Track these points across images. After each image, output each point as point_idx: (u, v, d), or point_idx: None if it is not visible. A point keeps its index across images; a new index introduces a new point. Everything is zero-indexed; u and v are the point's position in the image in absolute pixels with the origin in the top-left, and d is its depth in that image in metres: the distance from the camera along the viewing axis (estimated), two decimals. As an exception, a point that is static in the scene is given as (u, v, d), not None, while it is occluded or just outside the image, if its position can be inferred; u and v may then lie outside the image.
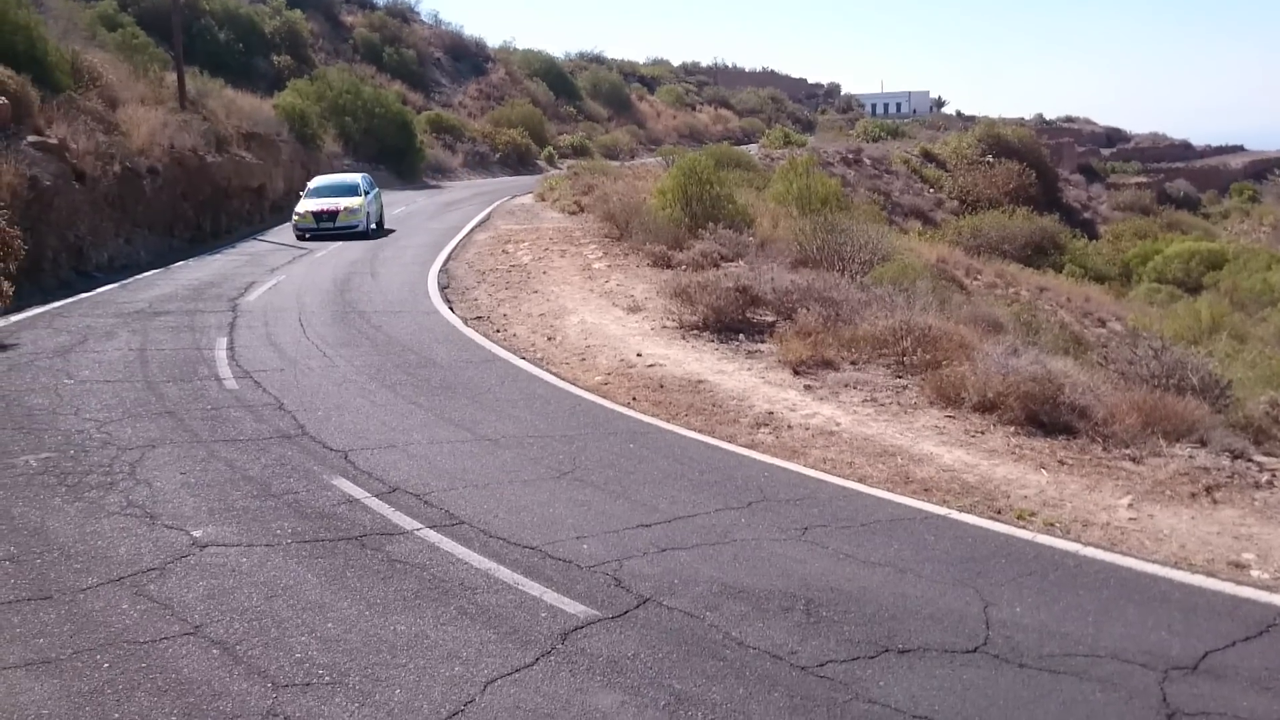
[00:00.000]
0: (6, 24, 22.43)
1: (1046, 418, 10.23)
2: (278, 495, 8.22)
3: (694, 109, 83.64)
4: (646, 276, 18.95)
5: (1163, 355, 11.69)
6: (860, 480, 8.86)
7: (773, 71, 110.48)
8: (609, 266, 20.37)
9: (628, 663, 5.58)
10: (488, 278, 20.16)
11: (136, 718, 5.02)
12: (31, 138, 19.91)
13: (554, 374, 12.86)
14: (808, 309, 14.16)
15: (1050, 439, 9.92)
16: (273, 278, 20.22)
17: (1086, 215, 53.03)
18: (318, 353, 13.61)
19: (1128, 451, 9.49)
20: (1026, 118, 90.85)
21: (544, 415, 10.88)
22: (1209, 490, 8.53)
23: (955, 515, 7.95)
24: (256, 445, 9.56)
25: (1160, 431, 9.76)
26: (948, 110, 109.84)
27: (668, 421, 10.75)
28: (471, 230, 27.17)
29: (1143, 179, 68.08)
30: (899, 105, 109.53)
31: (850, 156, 48.80)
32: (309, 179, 30.60)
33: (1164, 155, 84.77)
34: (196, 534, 7.37)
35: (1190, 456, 9.28)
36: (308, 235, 26.62)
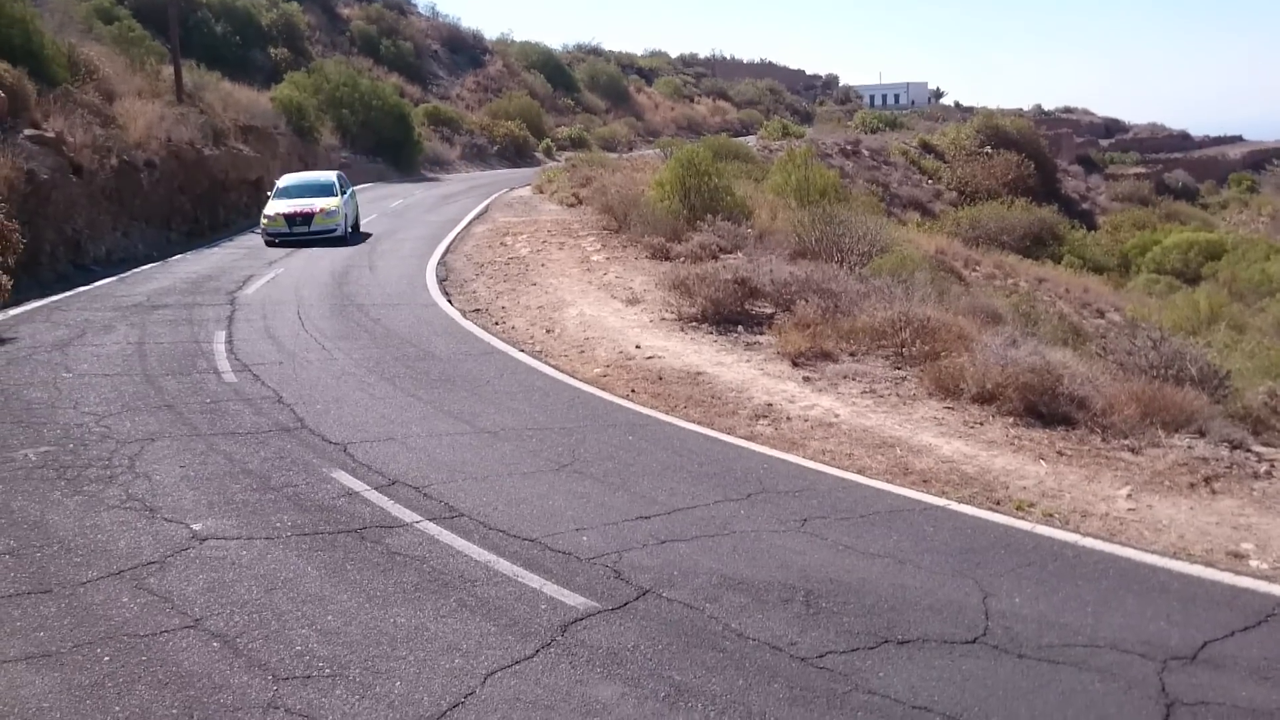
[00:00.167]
0: (2, 17, 22.38)
1: (1045, 409, 10.24)
2: (277, 488, 8.22)
3: (692, 101, 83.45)
4: (645, 268, 18.95)
5: (1161, 346, 11.69)
6: (859, 471, 8.87)
7: (771, 63, 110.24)
8: (607, 259, 20.35)
9: (627, 654, 5.58)
10: (486, 270, 20.15)
11: (137, 711, 5.03)
12: (28, 131, 19.86)
13: (553, 366, 12.86)
14: (806, 301, 14.17)
15: (1049, 430, 9.93)
16: (270, 271, 20.20)
17: (1085, 206, 53.00)
18: (316, 346, 13.61)
19: (1126, 442, 9.51)
20: (1025, 108, 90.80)
21: (543, 407, 10.88)
22: (1208, 480, 8.54)
23: (954, 506, 7.96)
24: (255, 438, 9.56)
25: (1159, 422, 9.76)
26: (946, 101, 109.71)
27: (667, 413, 10.76)
28: (469, 223, 27.13)
29: (1141, 169, 68.00)
30: (897, 97, 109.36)
31: (848, 148, 48.73)
32: (305, 172, 30.36)
33: (1162, 146, 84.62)
34: (196, 527, 7.37)
35: (1189, 447, 9.28)
36: (278, 241, 23.98)
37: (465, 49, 68.18)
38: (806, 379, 12.01)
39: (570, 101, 70.00)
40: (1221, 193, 64.98)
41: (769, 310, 15.10)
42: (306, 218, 24.09)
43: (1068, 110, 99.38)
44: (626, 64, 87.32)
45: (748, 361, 12.88)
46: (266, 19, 49.56)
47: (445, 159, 48.81)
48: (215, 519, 7.55)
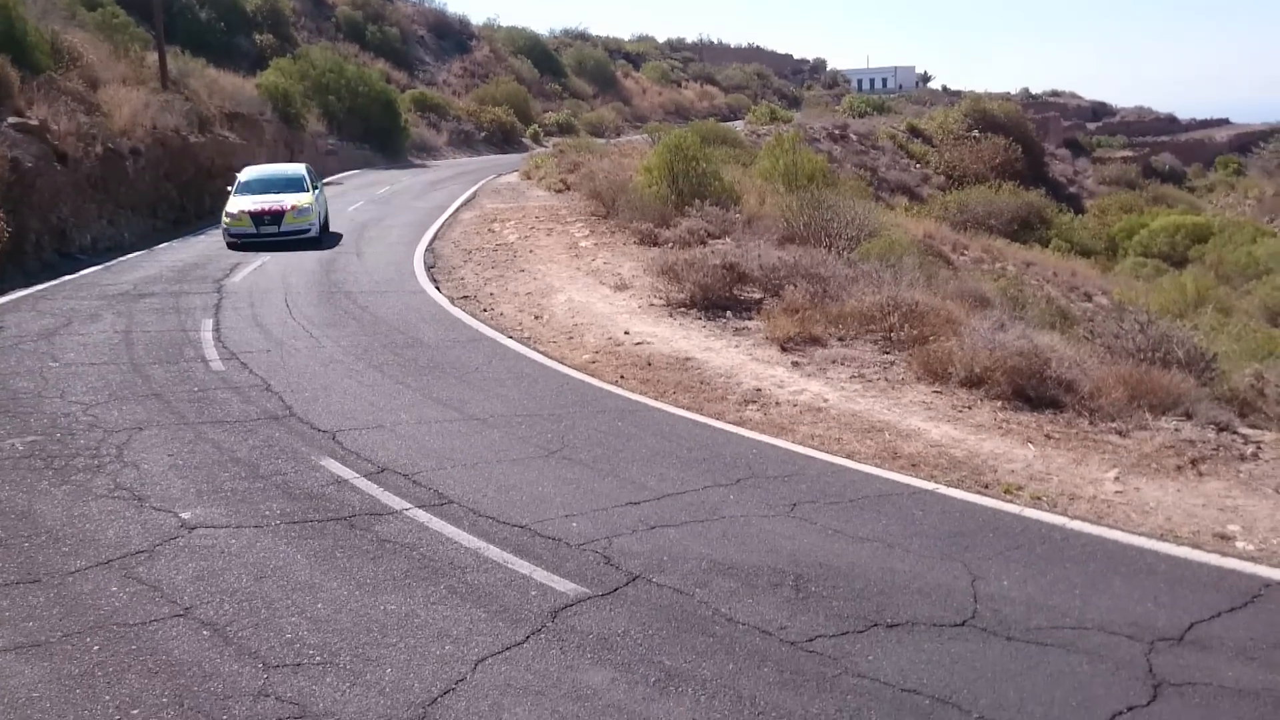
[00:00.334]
0: (-16, 5, 22.19)
1: (1033, 392, 10.27)
2: (266, 476, 8.20)
3: (679, 85, 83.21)
4: (633, 254, 18.92)
5: (1148, 329, 11.73)
6: (848, 456, 8.89)
7: (758, 47, 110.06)
8: (596, 245, 20.32)
9: (618, 640, 5.60)
10: (474, 257, 20.10)
11: (127, 700, 5.02)
12: (12, 119, 19.71)
13: (541, 353, 12.85)
14: (795, 286, 14.17)
15: (1037, 413, 9.97)
16: (258, 258, 20.08)
17: (1072, 189, 53.04)
18: (304, 333, 13.57)
19: (1114, 425, 9.55)
20: (1012, 92, 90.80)
21: (532, 394, 10.87)
22: (1194, 463, 8.59)
23: (943, 490, 7.99)
24: (244, 427, 9.53)
25: (1146, 405, 9.80)
26: (934, 86, 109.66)
27: (656, 399, 10.76)
28: (457, 209, 27.03)
29: (1128, 153, 68.09)
30: (885, 81, 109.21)
31: (836, 132, 48.66)
32: (293, 159, 30.06)
33: (1149, 129, 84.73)
34: (185, 516, 7.35)
35: (1176, 429, 9.33)
36: (241, 243, 21.18)
37: (451, 34, 67.84)
38: (795, 364, 12.03)
39: (557, 87, 69.73)
40: (1208, 175, 65.12)
41: (757, 295, 15.11)
42: (276, 216, 21.45)
43: (1055, 94, 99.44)
44: (614, 49, 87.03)
45: (736, 347, 12.89)
46: (251, 5, 49.17)
47: (432, 145, 48.62)
48: (204, 507, 7.53)
